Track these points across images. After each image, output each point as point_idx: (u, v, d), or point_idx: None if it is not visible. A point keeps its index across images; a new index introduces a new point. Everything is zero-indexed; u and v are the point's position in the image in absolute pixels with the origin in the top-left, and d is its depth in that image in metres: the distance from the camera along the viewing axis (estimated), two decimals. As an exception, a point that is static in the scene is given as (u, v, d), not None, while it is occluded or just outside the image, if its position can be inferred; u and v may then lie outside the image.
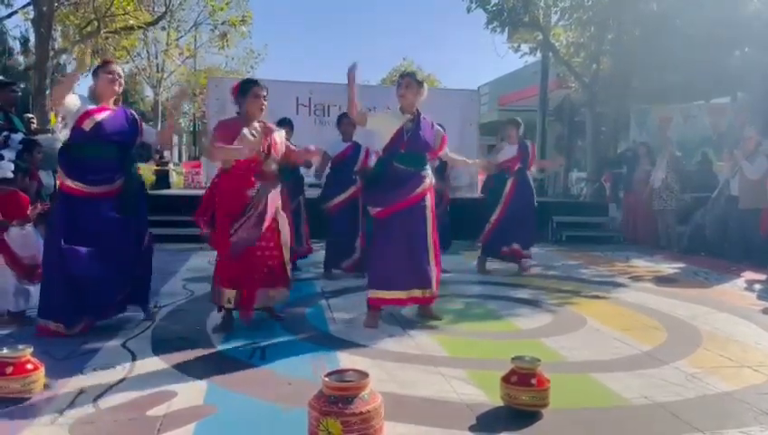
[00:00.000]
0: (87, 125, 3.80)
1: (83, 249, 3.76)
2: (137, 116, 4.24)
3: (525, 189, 6.51)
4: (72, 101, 3.81)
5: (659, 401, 2.96)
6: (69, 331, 3.74)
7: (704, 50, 10.71)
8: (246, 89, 4.04)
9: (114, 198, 3.91)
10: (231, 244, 3.87)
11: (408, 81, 4.30)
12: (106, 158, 3.91)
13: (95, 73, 4.02)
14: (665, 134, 10.57)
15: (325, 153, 5.98)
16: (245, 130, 3.93)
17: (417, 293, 4.27)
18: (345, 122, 6.04)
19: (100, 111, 3.89)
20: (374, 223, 4.37)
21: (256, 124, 4.04)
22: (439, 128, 4.56)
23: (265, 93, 4.07)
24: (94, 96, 4.02)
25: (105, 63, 4.08)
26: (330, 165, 6.16)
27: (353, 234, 5.97)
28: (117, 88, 3.99)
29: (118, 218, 3.91)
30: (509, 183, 6.46)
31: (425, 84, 4.38)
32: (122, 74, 4.09)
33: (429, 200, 4.33)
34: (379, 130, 4.33)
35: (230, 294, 3.93)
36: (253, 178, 3.94)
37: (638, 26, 11.70)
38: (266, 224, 3.94)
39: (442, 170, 6.36)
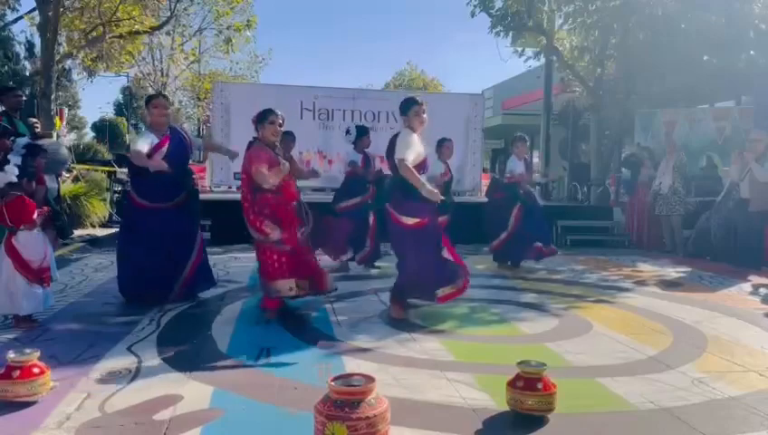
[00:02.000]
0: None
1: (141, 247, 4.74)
2: (183, 132, 4.97)
3: (530, 197, 7.10)
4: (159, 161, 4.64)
5: (665, 405, 2.95)
6: (128, 303, 4.81)
7: (708, 53, 10.68)
8: (263, 117, 4.46)
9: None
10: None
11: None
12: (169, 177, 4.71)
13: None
14: (670, 138, 10.53)
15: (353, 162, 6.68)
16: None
17: None
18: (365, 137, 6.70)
19: (162, 142, 4.74)
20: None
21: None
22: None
23: (281, 121, 4.47)
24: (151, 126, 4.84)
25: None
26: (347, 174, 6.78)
27: (364, 231, 6.54)
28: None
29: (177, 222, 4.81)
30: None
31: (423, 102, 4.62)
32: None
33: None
34: (418, 152, 4.44)
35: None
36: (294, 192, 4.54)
37: (643, 30, 11.67)
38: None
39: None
